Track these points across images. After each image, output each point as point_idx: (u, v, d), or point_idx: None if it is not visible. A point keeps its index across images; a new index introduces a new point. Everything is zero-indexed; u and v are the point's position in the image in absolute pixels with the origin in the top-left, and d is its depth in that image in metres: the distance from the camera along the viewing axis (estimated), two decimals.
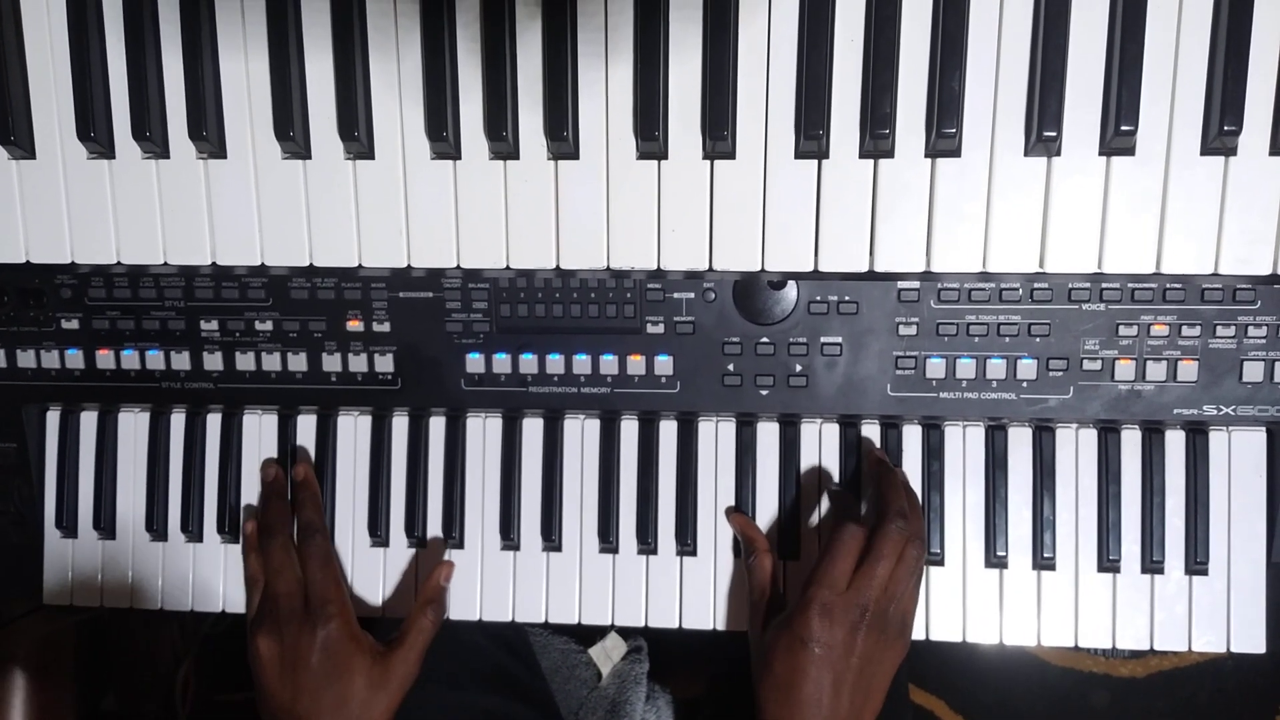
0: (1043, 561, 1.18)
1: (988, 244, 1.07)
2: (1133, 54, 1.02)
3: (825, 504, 1.21)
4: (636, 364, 1.19)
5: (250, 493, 1.27)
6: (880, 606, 1.07)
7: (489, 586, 1.24)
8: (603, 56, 1.08)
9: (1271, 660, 1.17)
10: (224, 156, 1.14)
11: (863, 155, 1.08)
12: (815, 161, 1.08)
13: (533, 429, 1.23)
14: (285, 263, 1.15)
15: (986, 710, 2.01)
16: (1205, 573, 1.17)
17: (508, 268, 1.13)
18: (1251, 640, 1.17)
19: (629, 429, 1.22)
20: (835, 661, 1.06)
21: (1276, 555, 1.17)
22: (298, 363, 1.22)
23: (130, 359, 1.24)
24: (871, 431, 1.20)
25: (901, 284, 1.15)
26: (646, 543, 1.21)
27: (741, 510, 1.21)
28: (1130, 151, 1.05)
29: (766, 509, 1.21)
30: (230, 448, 1.26)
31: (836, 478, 1.20)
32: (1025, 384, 1.16)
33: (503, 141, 1.09)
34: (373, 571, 1.25)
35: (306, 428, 1.26)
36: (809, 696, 1.05)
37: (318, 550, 1.18)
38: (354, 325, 1.21)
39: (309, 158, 1.13)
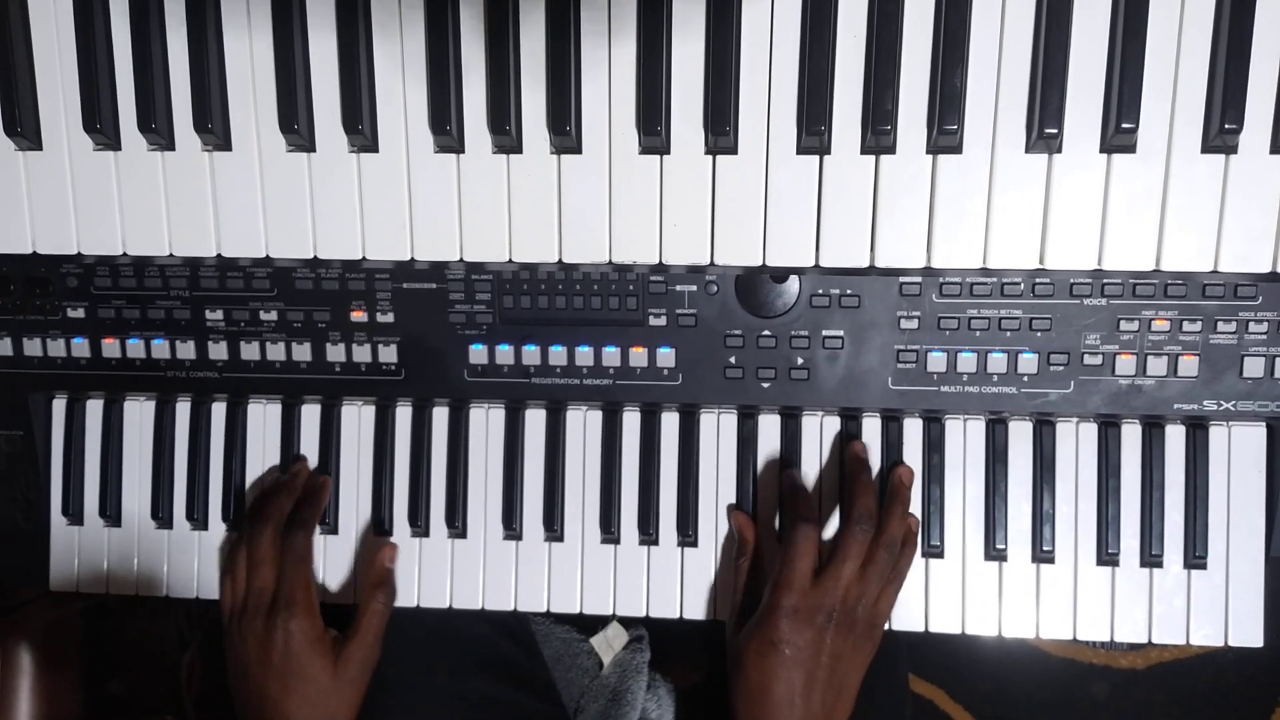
0: (1042, 555, 1.18)
1: (988, 241, 1.07)
2: (1134, 51, 1.02)
3: (825, 496, 1.22)
4: (639, 356, 1.20)
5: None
6: (847, 606, 1.09)
7: (491, 576, 1.25)
8: (606, 51, 1.08)
9: (1271, 653, 1.18)
10: (229, 149, 1.14)
11: (864, 151, 1.08)
12: (817, 157, 1.08)
13: (535, 420, 1.24)
14: (289, 255, 1.16)
15: (986, 700, 2.01)
16: (1204, 567, 1.17)
17: (510, 261, 1.14)
18: (1249, 634, 1.18)
19: (631, 421, 1.23)
20: (805, 661, 1.07)
21: (1275, 550, 1.17)
22: (302, 353, 1.23)
23: (136, 348, 1.24)
24: (872, 425, 1.20)
25: (903, 278, 1.15)
26: (648, 534, 1.22)
27: (743, 509, 1.22)
28: (1131, 149, 1.05)
29: (767, 501, 1.22)
30: (235, 437, 1.27)
31: (835, 471, 1.21)
32: (1026, 378, 1.16)
33: (506, 135, 1.09)
34: (372, 548, 1.26)
35: (310, 418, 1.26)
36: (781, 698, 1.07)
37: (297, 546, 1.19)
38: (358, 316, 1.21)
39: (313, 150, 1.13)
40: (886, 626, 1.16)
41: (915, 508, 1.19)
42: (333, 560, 1.26)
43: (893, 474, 1.18)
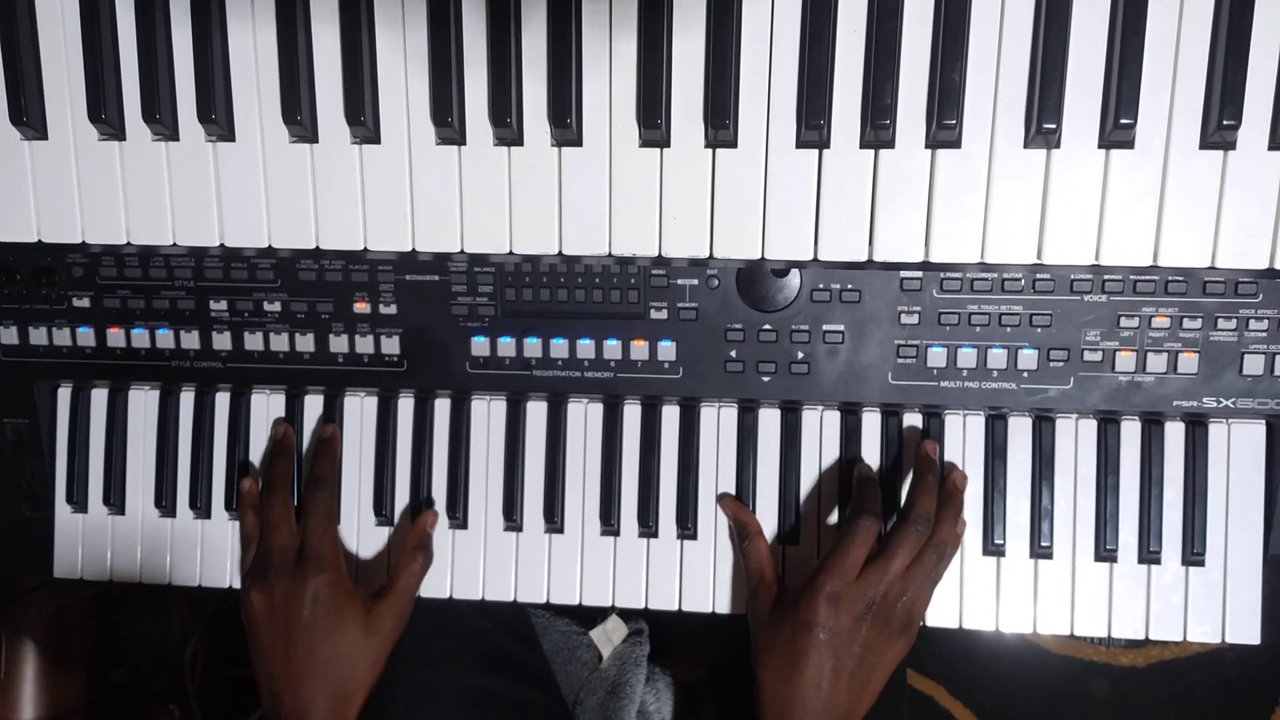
0: (1040, 550, 1.19)
1: (986, 235, 1.07)
2: (1133, 47, 1.02)
3: (824, 490, 1.22)
4: (640, 349, 1.20)
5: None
6: (888, 601, 1.09)
7: (491, 567, 1.25)
8: (607, 44, 1.09)
9: (1272, 651, 1.18)
10: (232, 139, 1.15)
11: (863, 145, 1.08)
12: (816, 151, 1.09)
13: (536, 412, 1.24)
14: (292, 245, 1.16)
15: (986, 697, 2.01)
16: (1202, 564, 1.17)
17: (511, 253, 1.14)
18: (1246, 631, 1.18)
19: (631, 413, 1.23)
20: (838, 647, 1.07)
21: (1273, 547, 1.17)
22: (305, 343, 1.24)
23: (140, 338, 1.25)
24: (872, 419, 1.21)
25: (904, 273, 1.15)
26: (648, 526, 1.23)
27: (734, 496, 1.22)
28: (1129, 144, 1.05)
29: (767, 494, 1.22)
30: (238, 426, 1.28)
31: (834, 465, 1.21)
32: (1026, 374, 1.16)
33: (507, 128, 1.09)
34: (377, 550, 1.27)
35: (313, 408, 1.27)
36: (809, 679, 1.07)
37: (321, 504, 1.20)
38: (361, 307, 1.22)
39: (316, 141, 1.14)
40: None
41: None
42: None
43: (948, 479, 1.17)
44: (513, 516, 1.24)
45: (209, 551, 1.29)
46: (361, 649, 1.17)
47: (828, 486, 1.22)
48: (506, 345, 1.21)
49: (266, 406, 1.28)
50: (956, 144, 1.07)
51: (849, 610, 1.07)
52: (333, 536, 1.20)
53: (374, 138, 1.13)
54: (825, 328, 1.17)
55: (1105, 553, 1.18)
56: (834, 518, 1.22)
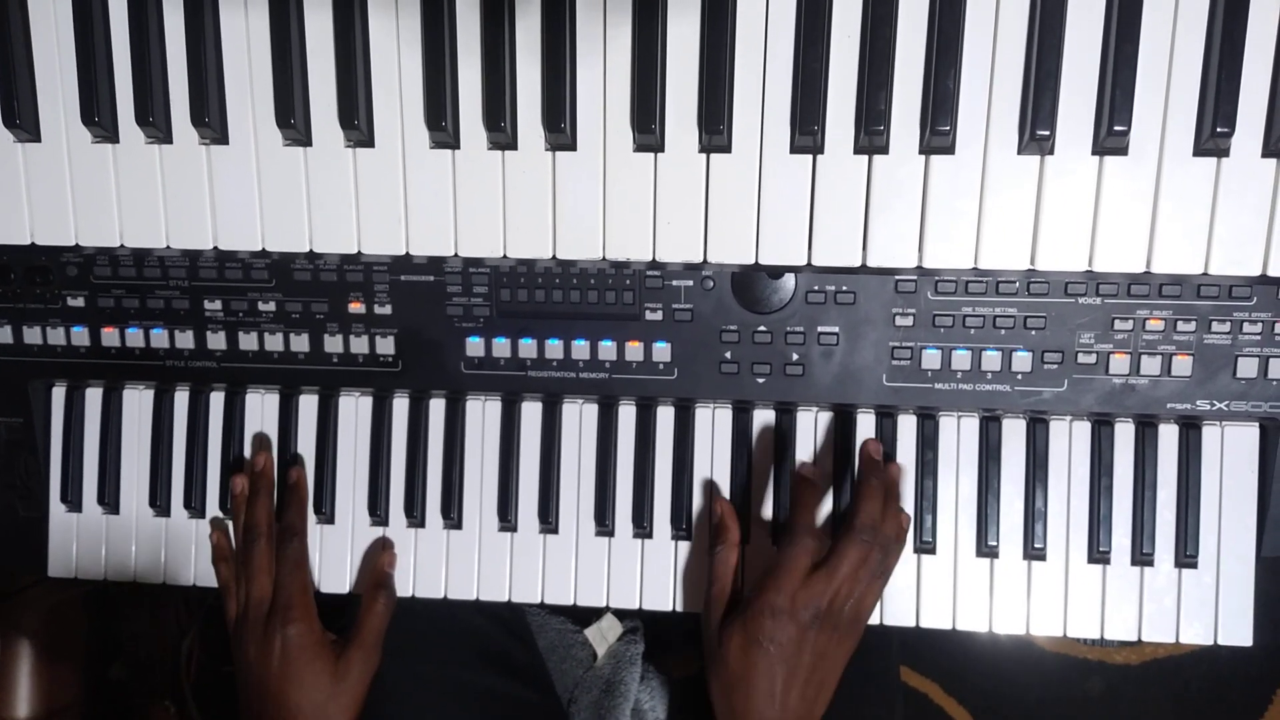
0: (1033, 552, 1.19)
1: (980, 241, 1.07)
2: (1127, 55, 1.01)
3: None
4: (635, 350, 1.20)
5: None
6: (834, 607, 1.08)
7: (486, 567, 1.26)
8: (601, 48, 1.09)
9: (1265, 650, 1.18)
10: (226, 142, 1.15)
11: (858, 151, 1.08)
12: (810, 156, 1.08)
13: (531, 412, 1.25)
14: (286, 248, 1.16)
15: (981, 694, 2.01)
16: (1195, 566, 1.18)
17: (505, 257, 1.14)
18: (1238, 633, 1.18)
19: (626, 414, 1.24)
20: (788, 658, 1.07)
21: (1266, 550, 1.18)
22: (300, 343, 1.24)
23: (135, 337, 1.25)
24: (867, 421, 1.21)
25: (899, 275, 1.15)
26: (642, 527, 1.23)
27: (729, 500, 1.22)
28: (1123, 151, 1.04)
29: (760, 495, 1.23)
30: (233, 426, 1.28)
31: (832, 466, 1.21)
32: (1020, 376, 1.16)
33: (501, 132, 1.09)
34: (372, 551, 1.27)
35: (308, 408, 1.27)
36: (762, 692, 1.07)
37: (293, 554, 1.21)
38: (356, 307, 1.22)
39: (310, 145, 1.14)
40: (874, 620, 1.17)
41: (908, 504, 1.19)
42: (329, 550, 1.27)
43: (885, 473, 1.16)
44: (507, 517, 1.24)
45: (202, 550, 1.29)
46: (332, 697, 1.17)
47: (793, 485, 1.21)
48: (501, 346, 1.21)
49: (261, 407, 1.28)
50: (950, 150, 1.07)
51: (794, 620, 1.07)
52: (302, 585, 1.20)
53: (368, 141, 1.13)
54: (820, 329, 1.18)
55: (1098, 555, 1.18)
56: (825, 507, 1.22)
